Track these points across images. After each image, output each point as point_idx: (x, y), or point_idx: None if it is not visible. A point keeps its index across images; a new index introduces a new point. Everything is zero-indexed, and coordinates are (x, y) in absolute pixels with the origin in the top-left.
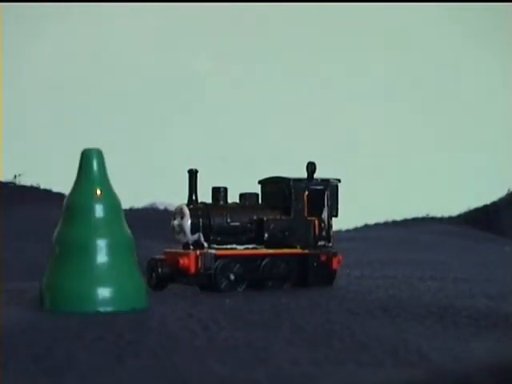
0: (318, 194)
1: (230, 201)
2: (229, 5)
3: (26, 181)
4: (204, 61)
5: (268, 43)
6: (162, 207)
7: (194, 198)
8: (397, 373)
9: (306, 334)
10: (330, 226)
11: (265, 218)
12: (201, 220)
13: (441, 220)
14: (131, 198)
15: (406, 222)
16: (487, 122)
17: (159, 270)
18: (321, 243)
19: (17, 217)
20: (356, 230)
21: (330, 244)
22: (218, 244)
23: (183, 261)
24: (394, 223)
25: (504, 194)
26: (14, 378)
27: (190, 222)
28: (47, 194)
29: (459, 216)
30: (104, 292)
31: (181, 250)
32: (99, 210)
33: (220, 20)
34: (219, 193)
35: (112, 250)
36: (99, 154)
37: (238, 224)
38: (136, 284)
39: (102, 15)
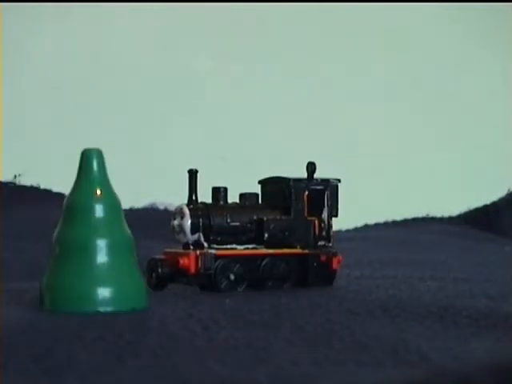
0: (318, 194)
1: (230, 201)
2: (229, 5)
3: (26, 181)
4: (204, 61)
5: (268, 43)
6: (162, 207)
7: (194, 198)
8: (397, 373)
9: (306, 334)
10: (330, 226)
11: (265, 218)
12: (201, 220)
13: (441, 220)
14: (131, 197)
15: (406, 222)
16: (487, 122)
17: (159, 269)
18: (321, 243)
19: (17, 217)
20: (356, 229)
21: (330, 244)
22: (218, 244)
23: (183, 261)
24: (394, 223)
25: (504, 194)
26: (14, 377)
27: (189, 222)
28: (47, 194)
29: (459, 216)
30: (104, 292)
31: (181, 250)
32: (99, 210)
33: (220, 20)
34: (219, 193)
35: (112, 250)
36: (99, 154)
37: (238, 224)
38: (136, 284)
39: (102, 15)
